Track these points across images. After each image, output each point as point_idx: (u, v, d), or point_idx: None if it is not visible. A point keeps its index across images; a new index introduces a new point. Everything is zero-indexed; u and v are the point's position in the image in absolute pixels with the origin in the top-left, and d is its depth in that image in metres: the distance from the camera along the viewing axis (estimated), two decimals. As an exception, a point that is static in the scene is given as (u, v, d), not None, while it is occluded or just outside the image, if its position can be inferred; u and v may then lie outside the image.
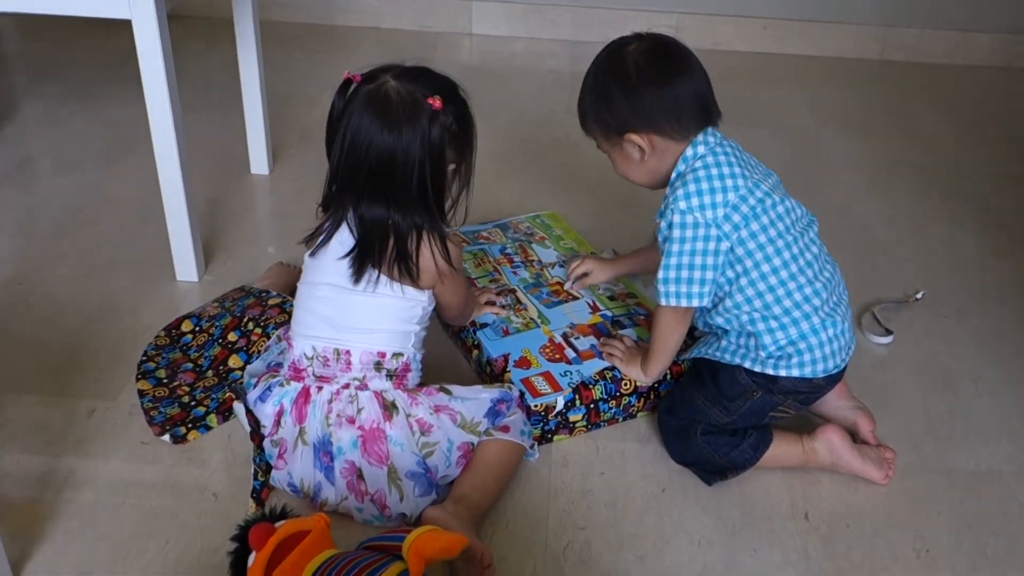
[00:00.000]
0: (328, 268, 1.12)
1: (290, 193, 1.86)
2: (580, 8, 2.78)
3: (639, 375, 1.26)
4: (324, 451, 1.10)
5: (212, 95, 2.26)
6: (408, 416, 1.10)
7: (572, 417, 1.24)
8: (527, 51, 2.76)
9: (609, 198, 1.83)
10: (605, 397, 1.25)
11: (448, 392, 1.14)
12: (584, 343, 1.32)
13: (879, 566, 1.10)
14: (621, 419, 1.29)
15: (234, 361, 1.32)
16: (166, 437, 1.21)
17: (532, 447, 1.20)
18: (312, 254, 1.15)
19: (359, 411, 1.10)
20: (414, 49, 2.67)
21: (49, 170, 1.94)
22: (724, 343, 1.19)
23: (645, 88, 1.13)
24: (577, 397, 1.24)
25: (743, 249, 1.13)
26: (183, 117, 1.43)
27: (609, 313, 1.39)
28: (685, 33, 2.67)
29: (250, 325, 1.35)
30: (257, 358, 1.27)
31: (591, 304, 1.41)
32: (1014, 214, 1.95)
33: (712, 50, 2.75)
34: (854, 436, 1.23)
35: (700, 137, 1.15)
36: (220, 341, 1.35)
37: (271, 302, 1.40)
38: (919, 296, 1.60)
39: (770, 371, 1.15)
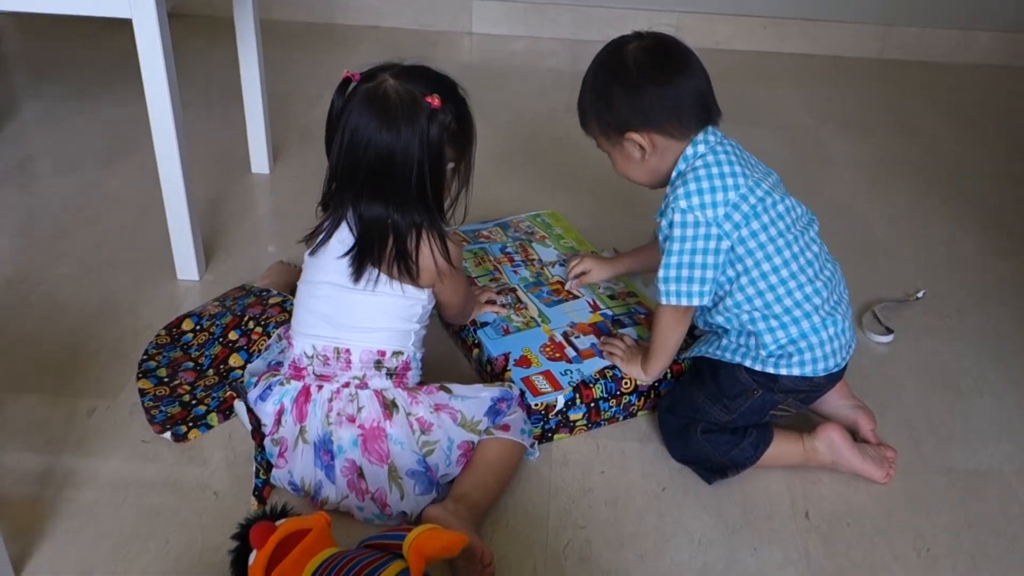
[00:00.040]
0: (328, 267, 1.12)
1: (290, 192, 1.86)
2: (580, 7, 2.78)
3: (639, 374, 1.26)
4: (325, 450, 1.10)
5: (212, 94, 2.26)
6: (408, 415, 1.11)
7: (572, 416, 1.24)
8: (527, 50, 2.76)
9: (609, 197, 1.83)
10: (605, 396, 1.25)
11: (448, 391, 1.14)
12: (584, 342, 1.32)
13: (879, 565, 1.10)
14: (621, 418, 1.29)
15: (235, 360, 1.32)
16: (167, 436, 1.21)
17: (532, 446, 1.20)
18: (312, 253, 1.15)
19: (359, 410, 1.10)
20: (414, 48, 2.67)
21: (49, 169, 1.94)
22: (724, 342, 1.19)
23: (646, 87, 1.13)
24: (577, 396, 1.24)
25: (743, 248, 1.13)
26: (183, 116, 1.43)
27: (609, 312, 1.39)
28: (685, 32, 2.67)
29: (251, 324, 1.35)
30: (258, 357, 1.27)
31: (591, 303, 1.41)
32: (1014, 213, 1.95)
33: (712, 49, 2.75)
34: (855, 435, 1.23)
35: (700, 136, 1.15)
36: (221, 340, 1.35)
37: (272, 301, 1.40)
38: (920, 295, 1.61)
39: (771, 370, 1.15)
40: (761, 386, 1.17)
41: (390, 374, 1.13)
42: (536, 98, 2.40)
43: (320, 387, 1.12)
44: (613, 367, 1.27)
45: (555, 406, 1.22)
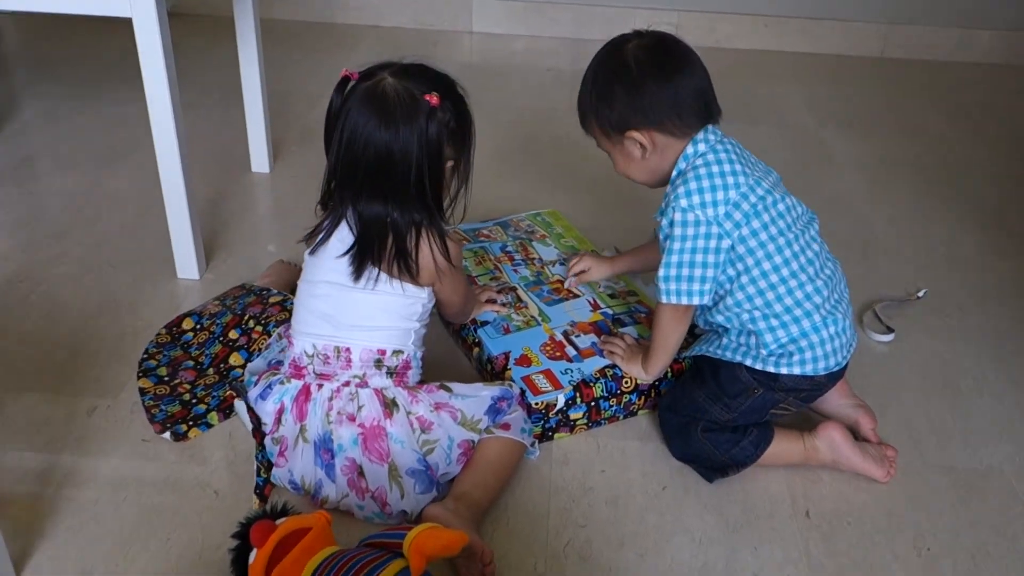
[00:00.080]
0: (327, 266, 1.12)
1: (291, 191, 1.86)
2: (580, 6, 2.78)
3: (640, 373, 1.26)
4: (325, 449, 1.10)
5: (213, 93, 2.26)
6: (408, 413, 1.10)
7: (573, 415, 1.24)
8: (527, 49, 2.76)
9: (609, 196, 1.83)
10: (606, 395, 1.25)
11: (449, 390, 1.14)
12: (585, 341, 1.32)
13: (880, 564, 1.10)
14: (622, 417, 1.29)
15: (235, 359, 1.32)
16: (167, 435, 1.21)
17: (533, 445, 1.20)
18: (312, 252, 1.15)
19: (359, 408, 1.10)
20: (414, 47, 2.67)
21: (50, 169, 1.94)
22: (725, 341, 1.19)
23: (647, 85, 1.13)
24: (578, 395, 1.24)
25: (744, 247, 1.13)
26: (184, 115, 1.43)
27: (610, 311, 1.39)
28: (685, 30, 2.67)
29: (251, 323, 1.35)
30: (258, 356, 1.27)
31: (592, 302, 1.41)
32: (1015, 213, 1.95)
33: (712, 48, 2.75)
34: (855, 434, 1.23)
35: (701, 135, 1.15)
36: (221, 339, 1.35)
37: (272, 300, 1.40)
38: (920, 294, 1.60)
39: (771, 369, 1.15)
40: (762, 385, 1.17)
41: (390, 373, 1.13)
42: (536, 97, 2.40)
43: (320, 386, 1.12)
44: (613, 366, 1.27)
45: (555, 405, 1.22)
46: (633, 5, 2.73)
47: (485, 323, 1.35)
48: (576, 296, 1.42)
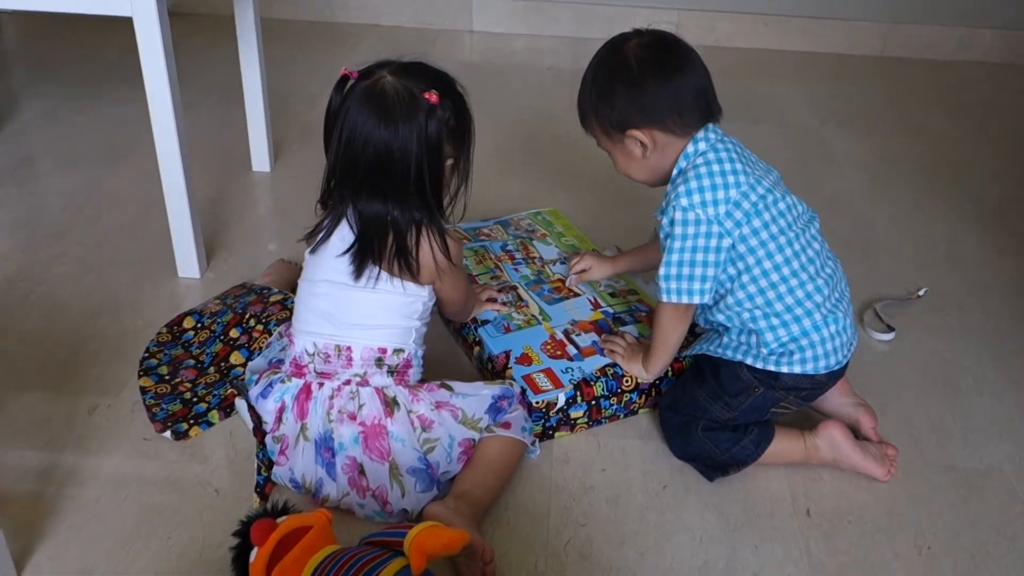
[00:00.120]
0: (328, 265, 1.12)
1: (291, 190, 1.86)
2: (580, 5, 2.78)
3: (640, 372, 1.26)
4: (325, 447, 1.10)
5: (213, 92, 2.26)
6: (409, 412, 1.11)
7: (573, 414, 1.24)
8: (528, 48, 2.76)
9: (610, 195, 1.83)
10: (606, 394, 1.25)
11: (449, 388, 1.14)
12: (585, 340, 1.32)
13: (880, 563, 1.10)
14: (622, 416, 1.29)
15: (236, 357, 1.32)
16: (168, 433, 1.21)
17: (533, 443, 1.20)
18: (312, 251, 1.15)
19: (360, 407, 1.10)
20: (414, 46, 2.65)
21: (50, 168, 1.94)
22: (725, 340, 1.19)
23: (647, 83, 1.13)
24: (578, 394, 1.24)
25: (744, 246, 1.13)
26: (184, 114, 1.43)
27: (610, 310, 1.39)
28: (685, 29, 2.67)
29: (252, 322, 1.35)
30: (259, 354, 1.27)
31: (592, 301, 1.41)
32: (1016, 212, 1.95)
33: (713, 46, 2.75)
34: (856, 433, 1.23)
35: (701, 134, 1.15)
36: (222, 338, 1.35)
37: (273, 299, 1.40)
38: (921, 293, 1.60)
39: (772, 367, 1.15)
40: (762, 384, 1.17)
41: (391, 371, 1.13)
42: (536, 96, 2.40)
43: (321, 384, 1.12)
44: (614, 365, 1.27)
45: (556, 404, 1.22)
46: (633, 4, 2.73)
47: (486, 322, 1.35)
48: (577, 295, 1.42)
